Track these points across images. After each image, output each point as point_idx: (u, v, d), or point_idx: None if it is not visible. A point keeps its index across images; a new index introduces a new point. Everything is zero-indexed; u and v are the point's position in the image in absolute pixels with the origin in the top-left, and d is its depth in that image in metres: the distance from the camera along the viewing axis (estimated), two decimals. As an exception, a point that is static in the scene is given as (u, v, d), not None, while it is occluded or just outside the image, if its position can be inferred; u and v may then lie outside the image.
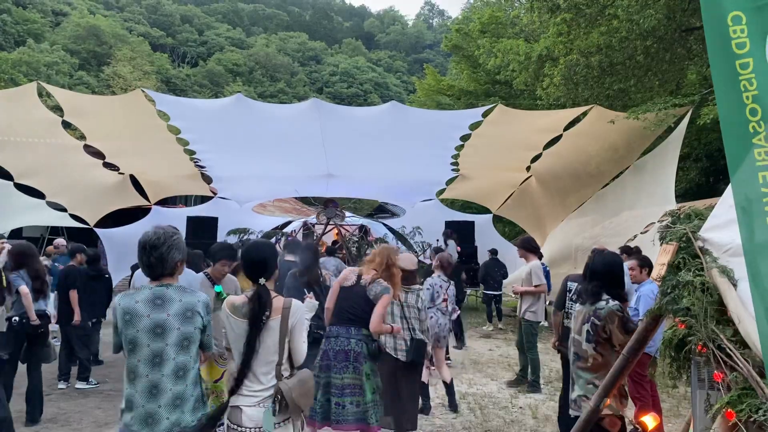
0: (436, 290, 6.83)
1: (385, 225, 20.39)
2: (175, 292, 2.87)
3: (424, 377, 6.57)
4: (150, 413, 2.74)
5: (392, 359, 5.07)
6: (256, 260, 3.19)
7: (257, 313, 3.02)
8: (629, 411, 3.53)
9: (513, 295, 10.35)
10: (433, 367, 6.74)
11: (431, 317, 6.51)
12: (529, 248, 7.83)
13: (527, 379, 7.61)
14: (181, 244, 2.98)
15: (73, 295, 7.40)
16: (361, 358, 4.40)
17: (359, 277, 4.59)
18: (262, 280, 3.12)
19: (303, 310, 3.20)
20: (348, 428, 4.34)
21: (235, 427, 3.02)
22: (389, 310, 5.06)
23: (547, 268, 12.94)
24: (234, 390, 3.02)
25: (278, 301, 3.12)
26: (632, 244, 8.24)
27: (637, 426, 3.25)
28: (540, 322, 7.68)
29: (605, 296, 3.65)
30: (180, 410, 2.79)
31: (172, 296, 2.84)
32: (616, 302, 3.57)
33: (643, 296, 5.39)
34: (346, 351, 4.37)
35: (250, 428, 3.00)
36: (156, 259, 2.85)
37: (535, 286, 7.54)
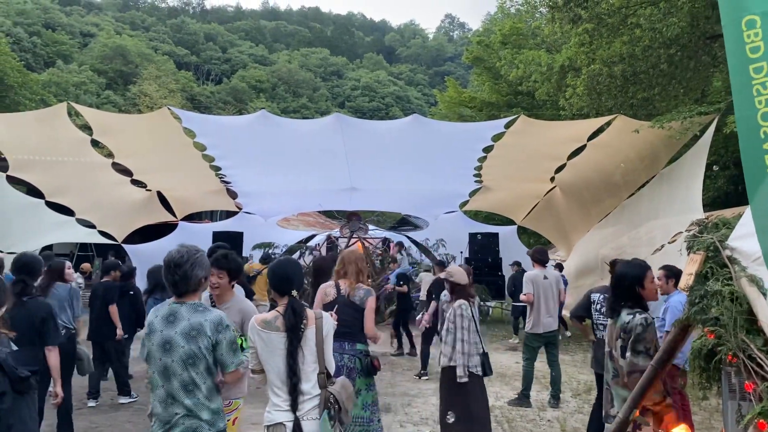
0: None
1: (408, 237, 20.39)
2: (187, 310, 2.98)
3: None
4: (167, 420, 2.89)
5: (473, 376, 5.09)
6: (283, 275, 3.28)
7: (295, 324, 3.08)
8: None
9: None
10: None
11: None
12: (534, 258, 7.90)
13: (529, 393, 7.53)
14: (204, 261, 3.09)
15: (113, 309, 7.52)
16: (354, 374, 4.42)
17: (338, 288, 4.57)
18: (294, 293, 3.21)
19: (332, 322, 3.30)
20: None
21: None
22: (464, 325, 5.12)
23: (565, 278, 12.90)
24: (295, 405, 3.03)
25: (309, 312, 3.21)
26: (658, 255, 8.13)
27: (668, 438, 3.21)
28: (537, 333, 7.48)
29: (632, 310, 3.59)
30: (196, 419, 2.89)
31: (182, 314, 2.96)
32: (643, 316, 3.50)
33: (671, 307, 5.32)
34: (338, 367, 4.32)
35: None
36: (180, 277, 2.97)
37: (524, 295, 7.57)
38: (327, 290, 4.61)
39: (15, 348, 2.87)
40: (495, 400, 7.57)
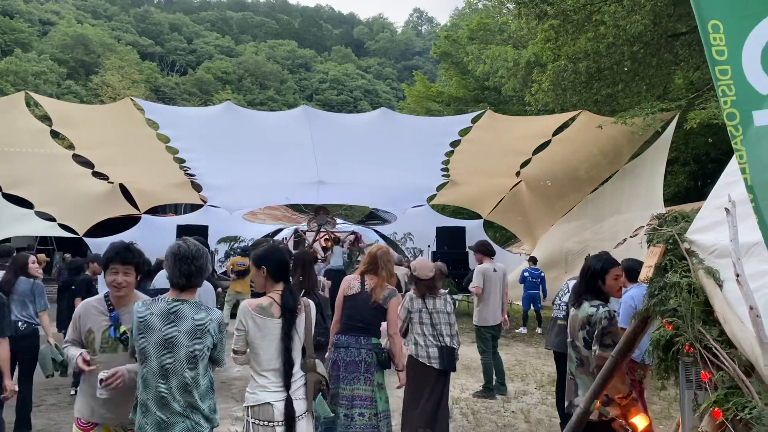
0: None
1: (376, 231, 20.42)
2: (189, 309, 2.92)
3: None
4: (163, 420, 2.82)
5: (426, 368, 5.04)
6: (284, 262, 3.41)
7: (293, 308, 3.24)
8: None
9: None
10: None
11: None
12: (482, 252, 7.93)
13: (498, 385, 7.60)
14: (209, 257, 3.15)
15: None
16: (372, 369, 4.43)
17: (362, 284, 4.59)
18: (291, 280, 3.38)
19: (315, 309, 3.50)
20: None
21: (266, 423, 3.12)
22: (417, 319, 5.10)
23: (542, 273, 13.00)
24: (288, 384, 3.18)
25: (302, 299, 3.41)
26: (621, 248, 8.31)
27: (628, 427, 3.28)
28: (490, 325, 7.57)
29: (592, 302, 3.65)
30: (192, 418, 2.86)
31: (185, 313, 2.89)
32: (606, 309, 3.57)
33: (622, 302, 5.43)
34: (356, 362, 4.38)
35: (281, 422, 3.13)
36: (196, 269, 2.94)
37: (473, 288, 7.62)
38: (351, 283, 4.63)
39: None
40: (460, 392, 7.64)
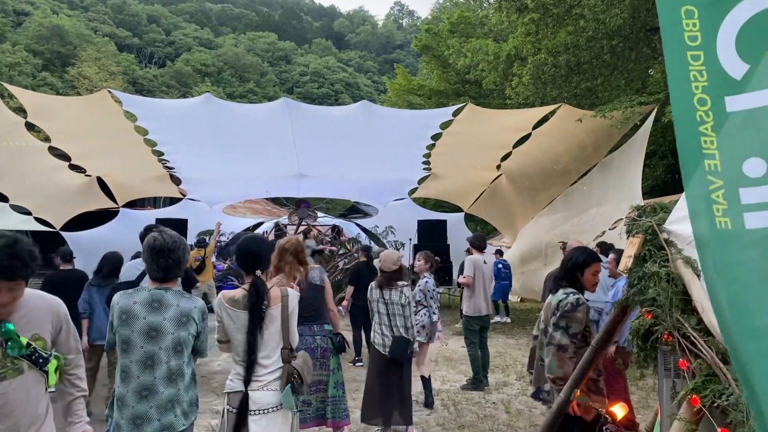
0: (431, 294, 6.82)
1: (357, 225, 20.39)
2: (173, 296, 2.91)
3: (425, 371, 6.62)
4: (140, 414, 2.77)
5: (382, 356, 5.15)
6: (252, 253, 3.33)
7: (256, 303, 3.16)
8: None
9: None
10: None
11: (426, 315, 6.57)
12: (473, 244, 8.20)
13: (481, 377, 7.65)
14: (188, 247, 3.12)
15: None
16: (328, 354, 4.51)
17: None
18: (258, 272, 3.27)
19: (297, 298, 3.40)
20: (308, 426, 4.45)
21: (237, 411, 3.13)
22: (375, 308, 5.23)
23: (506, 263, 13.22)
24: (248, 379, 3.15)
25: (275, 290, 3.28)
26: (600, 240, 8.40)
27: (607, 416, 3.31)
28: (478, 316, 7.63)
29: (569, 289, 3.69)
30: (172, 413, 2.82)
31: (169, 300, 2.88)
32: (576, 296, 3.61)
33: (618, 292, 5.46)
34: (312, 348, 4.42)
35: (254, 411, 3.12)
36: (174, 262, 2.92)
37: (463, 277, 7.73)
38: (282, 281, 4.62)
39: None
40: (441, 383, 7.67)
